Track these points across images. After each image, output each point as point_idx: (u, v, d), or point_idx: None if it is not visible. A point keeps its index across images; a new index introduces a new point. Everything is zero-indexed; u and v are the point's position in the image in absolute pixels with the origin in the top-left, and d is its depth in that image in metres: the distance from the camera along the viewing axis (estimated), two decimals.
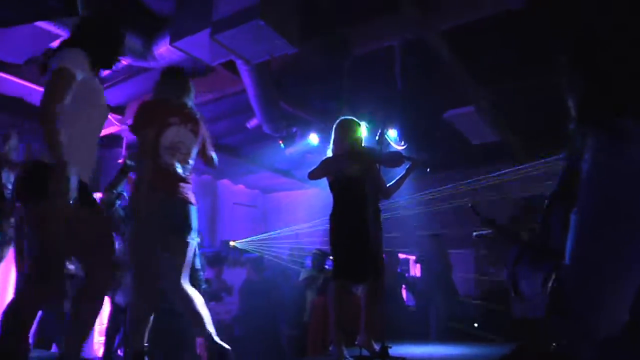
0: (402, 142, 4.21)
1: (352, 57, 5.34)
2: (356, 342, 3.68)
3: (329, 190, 3.91)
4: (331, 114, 5.52)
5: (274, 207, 11.54)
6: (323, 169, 3.78)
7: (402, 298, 7.65)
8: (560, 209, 1.16)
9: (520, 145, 8.02)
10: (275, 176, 9.88)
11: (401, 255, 8.73)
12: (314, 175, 3.79)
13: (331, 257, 3.71)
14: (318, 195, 10.37)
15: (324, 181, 3.91)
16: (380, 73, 5.62)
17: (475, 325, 7.85)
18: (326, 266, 7.08)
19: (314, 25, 4.85)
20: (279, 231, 9.80)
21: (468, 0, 4.72)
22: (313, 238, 9.14)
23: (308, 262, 7.25)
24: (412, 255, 9.57)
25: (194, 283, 4.47)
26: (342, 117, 3.91)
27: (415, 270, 9.88)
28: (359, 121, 3.86)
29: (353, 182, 3.68)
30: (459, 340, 6.26)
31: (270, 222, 11.32)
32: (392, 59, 5.37)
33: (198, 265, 4.52)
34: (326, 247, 8.07)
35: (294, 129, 6.43)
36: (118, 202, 4.43)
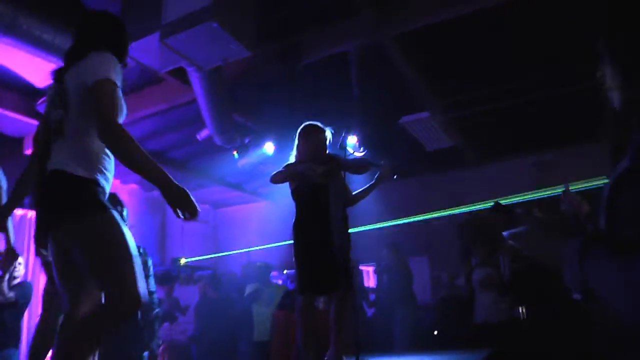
0: (361, 149, 4.09)
1: (305, 63, 5.22)
2: (325, 358, 3.49)
3: (281, 204, 3.73)
4: (285, 123, 5.37)
5: (225, 222, 11.25)
6: (286, 173, 3.59)
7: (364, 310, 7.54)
8: (636, 185, 1.00)
9: (474, 151, 8.08)
10: (226, 190, 9.61)
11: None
12: (276, 178, 3.60)
13: (296, 270, 3.49)
14: (270, 209, 10.19)
15: (278, 193, 3.74)
16: (335, 80, 5.52)
17: (435, 333, 7.81)
18: (276, 280, 6.92)
19: (266, 31, 4.70)
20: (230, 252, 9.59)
21: (423, 6, 4.68)
22: (265, 252, 8.96)
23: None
24: (368, 266, 9.48)
25: (148, 307, 4.13)
26: (306, 122, 3.73)
27: (369, 282, 9.79)
28: (323, 127, 3.70)
29: (317, 189, 3.51)
30: (422, 349, 6.19)
31: (222, 237, 11.04)
32: (346, 65, 5.28)
33: (153, 287, 4.17)
34: (274, 260, 7.98)
35: (247, 140, 6.21)
36: None
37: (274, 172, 3.60)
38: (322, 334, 3.76)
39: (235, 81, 5.69)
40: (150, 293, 4.09)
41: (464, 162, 8.36)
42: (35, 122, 5.50)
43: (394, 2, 4.66)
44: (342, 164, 3.60)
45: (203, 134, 6.02)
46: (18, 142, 6.77)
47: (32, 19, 4.10)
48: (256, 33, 4.12)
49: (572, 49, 5.10)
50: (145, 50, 3.98)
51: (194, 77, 4.77)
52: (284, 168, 3.61)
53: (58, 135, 2.20)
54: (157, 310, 4.25)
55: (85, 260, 2.11)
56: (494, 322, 6.08)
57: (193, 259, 9.41)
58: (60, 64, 2.85)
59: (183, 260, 9.29)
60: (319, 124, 3.70)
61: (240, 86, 5.92)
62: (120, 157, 2.08)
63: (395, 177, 3.76)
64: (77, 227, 2.10)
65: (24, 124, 6.18)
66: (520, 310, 7.10)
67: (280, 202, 9.36)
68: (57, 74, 2.32)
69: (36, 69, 5.57)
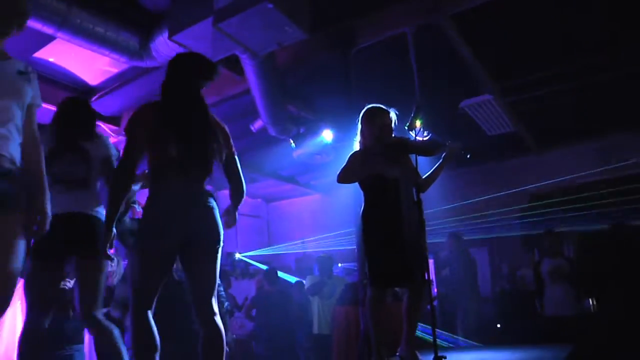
0: (426, 132, 3.85)
1: (359, 48, 5.02)
2: (397, 354, 3.29)
3: (335, 195, 3.52)
4: (341, 111, 5.18)
5: (277, 216, 11.18)
6: (354, 170, 3.31)
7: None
8: None
9: (534, 136, 7.72)
10: (278, 183, 9.50)
11: None
12: (345, 178, 3.29)
13: (364, 261, 3.28)
14: (324, 201, 10.04)
15: (332, 185, 3.49)
16: (392, 64, 5.30)
17: (498, 326, 7.51)
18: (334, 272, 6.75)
19: (318, 16, 4.51)
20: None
21: None
22: (320, 246, 8.81)
23: (315, 269, 6.91)
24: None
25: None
26: (369, 105, 3.49)
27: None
28: (387, 108, 3.45)
29: (386, 177, 3.29)
30: (487, 343, 5.92)
31: (274, 232, 10.98)
32: (402, 49, 5.05)
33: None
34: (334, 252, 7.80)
35: (302, 130, 6.04)
36: None
37: (339, 172, 3.29)
38: (388, 328, 3.57)
39: (285, 70, 5.54)
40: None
41: (524, 147, 7.99)
42: None
43: None
44: (411, 147, 3.36)
45: (257, 125, 5.89)
46: None
47: (85, 12, 4.09)
48: (309, 17, 3.95)
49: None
50: (198, 37, 3.85)
51: (247, 65, 4.64)
52: (348, 163, 3.31)
53: None
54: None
55: None
56: (566, 316, 5.73)
57: (247, 253, 9.36)
58: (113, 56, 2.74)
59: (237, 255, 9.26)
60: (382, 106, 3.46)
61: (290, 75, 5.77)
62: None
63: (468, 156, 3.52)
64: None
65: None
66: (591, 302, 6.72)
67: (333, 194, 9.23)
68: None
69: (89, 67, 5.59)
